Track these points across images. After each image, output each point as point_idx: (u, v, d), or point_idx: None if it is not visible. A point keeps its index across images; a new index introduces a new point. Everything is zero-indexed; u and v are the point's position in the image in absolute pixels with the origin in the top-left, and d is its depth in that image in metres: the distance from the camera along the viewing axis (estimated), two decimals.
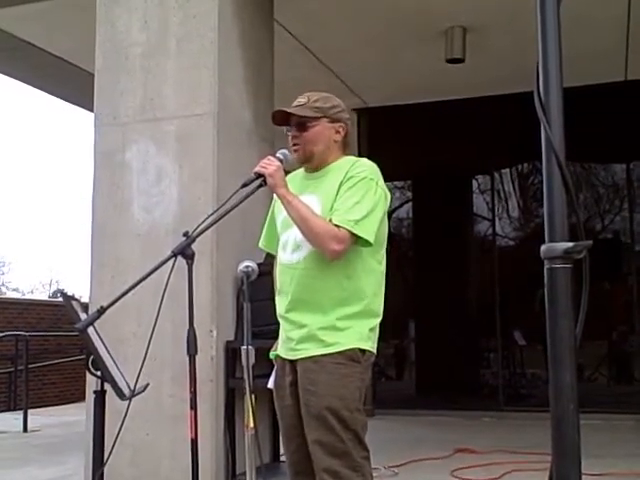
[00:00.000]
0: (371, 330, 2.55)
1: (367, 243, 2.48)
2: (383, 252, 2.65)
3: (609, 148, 7.90)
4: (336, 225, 2.45)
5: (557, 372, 1.22)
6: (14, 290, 34.19)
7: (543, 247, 1.26)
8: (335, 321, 2.50)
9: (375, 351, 2.58)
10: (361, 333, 2.51)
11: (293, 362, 2.59)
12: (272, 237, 2.79)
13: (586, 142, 7.39)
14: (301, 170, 2.74)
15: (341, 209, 2.48)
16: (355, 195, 2.49)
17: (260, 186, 2.51)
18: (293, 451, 2.62)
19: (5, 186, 49.22)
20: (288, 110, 2.63)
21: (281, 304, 2.65)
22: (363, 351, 2.52)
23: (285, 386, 2.62)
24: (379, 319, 2.60)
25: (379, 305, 2.61)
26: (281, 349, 2.67)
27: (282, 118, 2.67)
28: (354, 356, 2.49)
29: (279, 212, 2.70)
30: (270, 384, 2.75)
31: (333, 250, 2.45)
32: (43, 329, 12.76)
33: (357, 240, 2.47)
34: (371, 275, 2.58)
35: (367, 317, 2.54)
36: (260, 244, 2.91)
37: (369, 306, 2.55)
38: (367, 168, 2.56)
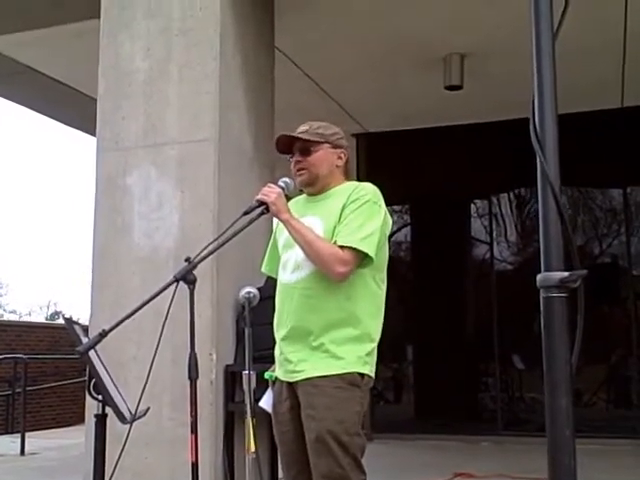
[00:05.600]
0: (368, 354, 2.56)
1: (370, 261, 2.52)
2: (384, 276, 2.68)
3: (606, 173, 7.95)
4: (340, 247, 2.49)
5: (553, 399, 1.25)
6: (12, 312, 34.13)
7: (539, 276, 1.28)
8: (334, 342, 2.51)
9: (374, 375, 2.59)
10: (359, 357, 2.53)
11: (292, 385, 2.59)
12: (274, 261, 2.82)
13: (584, 167, 7.45)
14: (302, 195, 2.79)
15: (345, 231, 2.52)
16: (359, 217, 2.54)
17: (262, 214, 2.55)
18: (294, 477, 2.63)
19: (2, 208, 49.25)
20: (293, 135, 2.69)
21: (280, 324, 2.65)
22: (362, 375, 2.53)
23: (284, 411, 2.62)
24: (376, 343, 2.61)
25: (377, 329, 2.63)
26: (279, 371, 2.66)
27: (285, 145, 2.73)
28: (354, 380, 2.50)
29: (281, 234, 2.74)
30: (263, 403, 2.74)
31: (339, 273, 2.49)
32: (41, 352, 12.72)
33: (361, 261, 2.51)
34: (371, 298, 2.61)
35: (364, 341, 2.56)
36: (262, 268, 2.94)
37: (367, 329, 2.57)
38: (370, 192, 2.62)
